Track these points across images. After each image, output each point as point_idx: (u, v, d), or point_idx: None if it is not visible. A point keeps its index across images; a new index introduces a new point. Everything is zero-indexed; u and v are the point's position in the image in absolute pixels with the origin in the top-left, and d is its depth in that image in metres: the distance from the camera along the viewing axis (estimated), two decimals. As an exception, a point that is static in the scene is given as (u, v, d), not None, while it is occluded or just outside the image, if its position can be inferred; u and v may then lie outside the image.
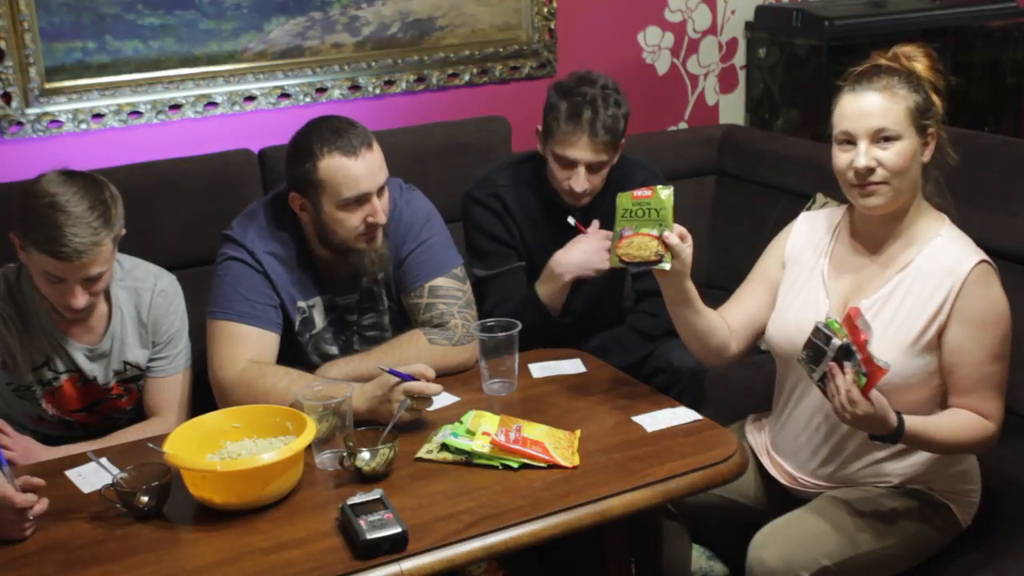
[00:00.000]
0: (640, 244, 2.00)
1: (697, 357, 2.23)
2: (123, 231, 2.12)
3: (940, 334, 1.96)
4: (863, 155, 1.95)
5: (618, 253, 2.03)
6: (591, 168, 2.49)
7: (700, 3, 3.76)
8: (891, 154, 1.94)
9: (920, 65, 1.99)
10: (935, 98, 1.99)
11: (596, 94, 2.46)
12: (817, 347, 1.86)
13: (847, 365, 1.82)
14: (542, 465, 1.91)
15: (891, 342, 1.96)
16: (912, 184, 1.99)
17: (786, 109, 3.78)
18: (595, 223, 2.58)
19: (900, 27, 3.69)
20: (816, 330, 1.87)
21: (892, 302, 1.99)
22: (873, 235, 2.05)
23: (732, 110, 3.95)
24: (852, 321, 1.82)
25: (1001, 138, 3.04)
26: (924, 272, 1.98)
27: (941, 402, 2.02)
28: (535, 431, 1.97)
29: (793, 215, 2.27)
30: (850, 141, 1.98)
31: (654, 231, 2.00)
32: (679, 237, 2.01)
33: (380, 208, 2.21)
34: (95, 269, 2.04)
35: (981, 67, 3.95)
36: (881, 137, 1.95)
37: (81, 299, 2.05)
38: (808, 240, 2.16)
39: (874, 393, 1.82)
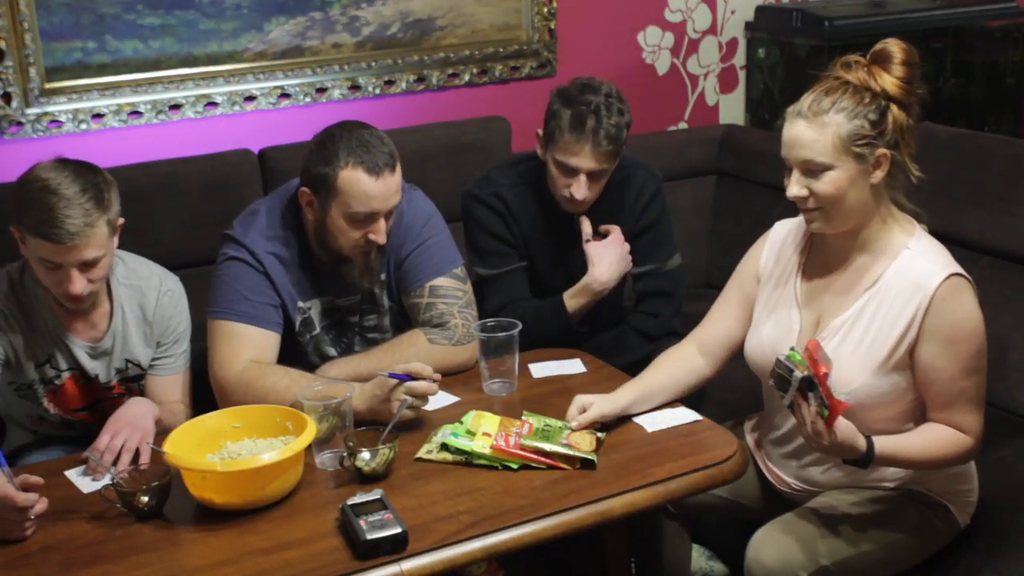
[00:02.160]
0: (579, 439, 1.96)
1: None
2: (121, 220, 2.12)
3: (912, 352, 1.94)
4: (793, 184, 1.95)
5: (586, 453, 1.93)
6: (592, 176, 2.48)
7: (700, 3, 3.76)
8: (821, 184, 1.91)
9: (889, 79, 1.91)
10: (897, 114, 1.91)
11: (600, 103, 2.44)
12: (782, 377, 1.86)
13: (811, 396, 1.82)
14: (542, 466, 1.91)
15: (862, 362, 1.95)
16: (857, 207, 1.94)
17: (786, 109, 3.78)
18: (616, 231, 2.58)
19: (900, 27, 3.68)
20: (778, 362, 1.86)
21: (862, 321, 1.97)
22: (837, 249, 2.03)
23: (732, 110, 3.95)
24: (812, 354, 1.82)
25: (1001, 138, 3.04)
26: (892, 289, 1.95)
27: (917, 415, 2.00)
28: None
29: (793, 215, 2.27)
30: (788, 168, 1.97)
31: (567, 433, 1.97)
32: (580, 412, 2.02)
33: (383, 229, 2.21)
34: (90, 253, 2.03)
35: (981, 67, 3.95)
36: (810, 168, 1.92)
37: (78, 284, 2.05)
38: (781, 254, 2.15)
39: (840, 422, 1.82)
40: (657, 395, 2.13)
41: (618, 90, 2.52)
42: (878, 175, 1.92)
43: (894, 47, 1.93)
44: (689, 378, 2.19)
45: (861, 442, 1.86)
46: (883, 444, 1.89)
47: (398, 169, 2.20)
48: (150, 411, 2.10)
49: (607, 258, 2.53)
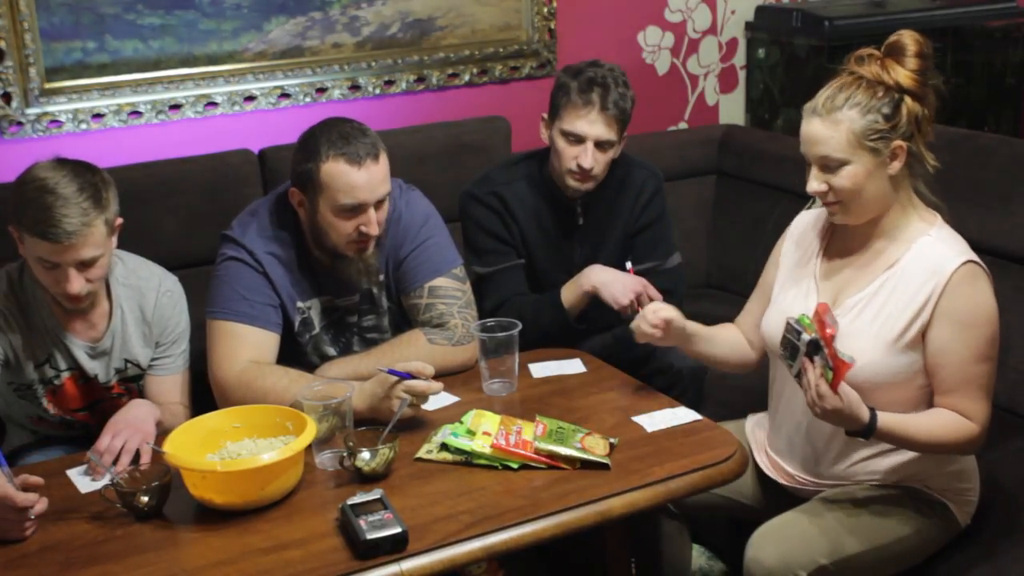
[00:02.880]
0: (592, 443, 1.96)
1: (728, 372, 2.32)
2: (120, 219, 2.12)
3: (924, 333, 1.95)
4: (813, 180, 1.98)
5: (600, 456, 1.93)
6: (599, 146, 2.50)
7: (700, 3, 3.76)
8: (839, 178, 1.94)
9: (902, 72, 1.92)
10: (911, 106, 1.93)
11: (606, 73, 2.50)
12: (791, 343, 1.89)
13: (816, 359, 1.84)
14: (542, 466, 1.91)
15: (875, 339, 1.97)
16: (877, 198, 1.96)
17: (786, 109, 3.78)
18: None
19: (900, 27, 3.67)
20: (788, 326, 1.90)
21: (877, 299, 1.99)
22: (858, 235, 2.05)
23: (732, 110, 3.95)
24: (820, 316, 1.85)
25: (1001, 138, 3.04)
26: (909, 271, 1.97)
27: (926, 404, 2.01)
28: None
29: (793, 215, 2.28)
30: (808, 164, 2.00)
31: (580, 437, 1.96)
32: (650, 323, 2.12)
33: (375, 220, 2.20)
34: (87, 252, 2.03)
35: (981, 67, 3.95)
36: (827, 163, 1.95)
37: (76, 284, 2.04)
38: (801, 240, 2.17)
39: (844, 388, 1.84)
40: (717, 340, 2.24)
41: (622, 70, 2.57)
42: (895, 166, 1.94)
43: (907, 39, 1.96)
44: (740, 345, 2.27)
45: (864, 412, 1.88)
46: (886, 418, 1.91)
47: (383, 159, 2.20)
48: (151, 413, 2.10)
49: (615, 272, 2.52)
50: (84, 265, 2.05)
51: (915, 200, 2.03)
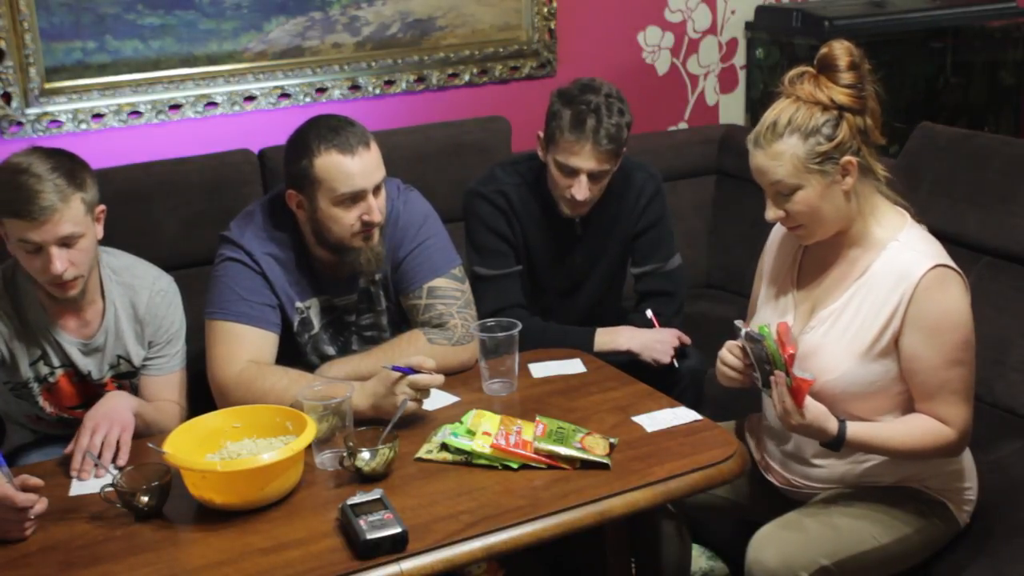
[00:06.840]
0: (592, 443, 1.96)
1: None
2: (102, 207, 2.12)
3: (897, 340, 1.95)
4: (769, 209, 1.98)
5: (600, 456, 1.92)
6: (592, 177, 2.48)
7: (700, 3, 3.76)
8: (794, 204, 1.93)
9: (837, 90, 1.89)
10: (852, 120, 1.90)
11: (600, 102, 2.44)
12: (754, 351, 1.92)
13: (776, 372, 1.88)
14: (542, 466, 1.91)
15: (848, 350, 1.96)
16: (837, 214, 1.95)
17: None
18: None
19: (900, 27, 3.69)
20: (747, 335, 1.92)
21: (849, 310, 1.98)
22: (830, 245, 2.03)
23: (732, 110, 3.95)
24: (781, 337, 1.87)
25: (1001, 138, 3.04)
26: (878, 279, 1.96)
27: (906, 409, 2.00)
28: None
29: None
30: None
31: (580, 437, 1.96)
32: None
33: (375, 206, 2.21)
34: (65, 228, 2.02)
35: (981, 67, 3.95)
36: (779, 191, 1.94)
37: (59, 263, 2.03)
38: (781, 250, 2.17)
39: (809, 403, 1.87)
40: None
41: (618, 90, 2.52)
42: (848, 182, 1.93)
43: (838, 50, 1.92)
44: None
45: (832, 424, 1.90)
46: (856, 427, 1.92)
47: (374, 146, 2.21)
48: (127, 404, 2.10)
49: (649, 334, 2.56)
50: (65, 244, 2.04)
51: (880, 205, 2.00)
